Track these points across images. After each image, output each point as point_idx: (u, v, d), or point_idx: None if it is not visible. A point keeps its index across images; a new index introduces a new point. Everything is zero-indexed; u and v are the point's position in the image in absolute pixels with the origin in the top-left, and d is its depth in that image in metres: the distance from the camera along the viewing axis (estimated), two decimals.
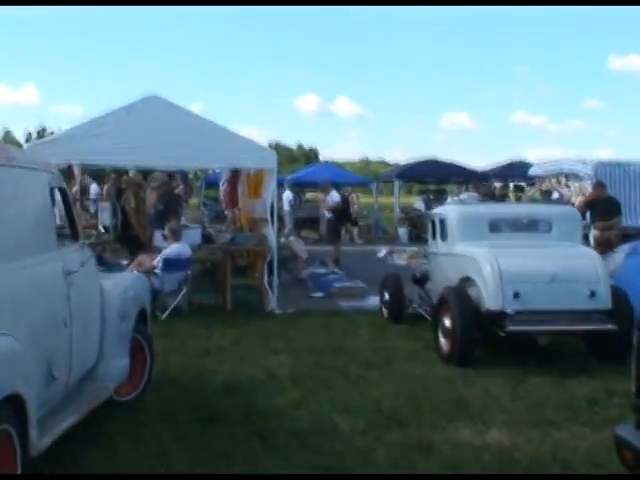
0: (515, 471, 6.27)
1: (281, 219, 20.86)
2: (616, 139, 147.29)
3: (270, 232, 13.63)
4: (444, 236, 11.00)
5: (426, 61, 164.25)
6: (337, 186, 25.10)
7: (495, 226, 10.69)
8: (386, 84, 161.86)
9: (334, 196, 21.56)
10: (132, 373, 7.61)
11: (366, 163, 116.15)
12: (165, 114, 12.81)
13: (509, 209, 11.93)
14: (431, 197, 34.51)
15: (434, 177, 33.22)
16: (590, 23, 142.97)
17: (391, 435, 7.13)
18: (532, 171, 24.63)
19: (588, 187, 20.94)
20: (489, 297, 9.53)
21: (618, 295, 9.73)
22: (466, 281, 10.08)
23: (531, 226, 11.02)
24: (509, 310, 9.37)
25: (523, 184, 34.64)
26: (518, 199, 28.00)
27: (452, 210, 11.17)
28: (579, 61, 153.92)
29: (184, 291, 12.61)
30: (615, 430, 5.20)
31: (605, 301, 9.56)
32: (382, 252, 24.21)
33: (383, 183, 36.86)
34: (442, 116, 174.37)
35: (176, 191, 17.98)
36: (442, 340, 9.99)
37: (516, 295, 9.43)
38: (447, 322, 9.82)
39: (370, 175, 48.08)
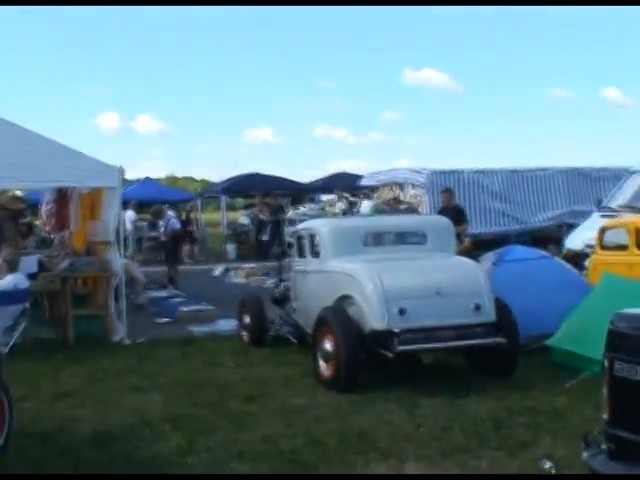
0: None
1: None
2: (414, 149, 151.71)
3: (115, 256, 12.52)
4: (315, 252, 10.32)
5: (225, 76, 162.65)
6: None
7: (369, 240, 10.12)
8: (187, 100, 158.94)
9: (173, 222, 20.37)
10: None
11: (173, 179, 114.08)
12: None
13: (382, 222, 11.31)
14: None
15: (260, 191, 32.59)
16: (384, 37, 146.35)
17: None
18: (364, 181, 24.54)
19: (423, 195, 21.05)
20: (374, 316, 8.91)
21: (501, 307, 9.36)
22: (344, 300, 9.44)
23: (405, 238, 10.52)
24: (396, 329, 8.79)
25: (347, 195, 34.71)
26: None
27: (324, 225, 10.45)
28: (376, 74, 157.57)
29: (22, 326, 11.28)
30: (589, 462, 4.66)
31: (490, 314, 9.16)
32: (217, 270, 23.46)
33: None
34: (245, 131, 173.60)
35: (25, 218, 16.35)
36: (322, 365, 9.30)
37: (402, 312, 8.86)
38: (328, 345, 9.14)
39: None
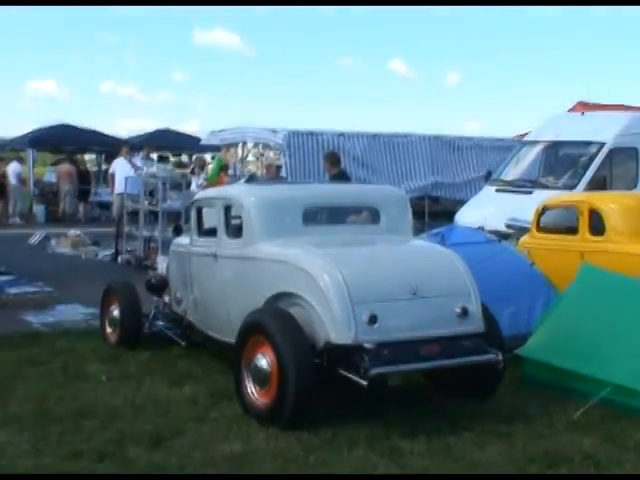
0: None
1: None
2: (204, 111, 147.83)
3: None
4: (233, 231, 7.62)
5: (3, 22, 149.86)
6: None
7: (311, 216, 7.52)
8: None
9: None
10: None
11: None
12: None
13: (325, 192, 8.37)
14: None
15: (73, 144, 28.98)
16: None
17: None
18: (206, 140, 21.87)
19: (280, 157, 18.85)
20: (335, 325, 6.39)
21: (484, 311, 7.10)
22: (280, 300, 6.89)
23: (354, 215, 8.01)
24: (367, 344, 6.33)
25: (169, 154, 31.83)
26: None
27: (249, 194, 7.64)
28: (166, 32, 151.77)
29: None
30: None
31: (479, 321, 6.86)
32: (35, 237, 20.04)
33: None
34: (27, 84, 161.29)
35: None
36: (253, 388, 6.73)
37: (372, 320, 6.41)
38: (263, 362, 6.59)
39: None
